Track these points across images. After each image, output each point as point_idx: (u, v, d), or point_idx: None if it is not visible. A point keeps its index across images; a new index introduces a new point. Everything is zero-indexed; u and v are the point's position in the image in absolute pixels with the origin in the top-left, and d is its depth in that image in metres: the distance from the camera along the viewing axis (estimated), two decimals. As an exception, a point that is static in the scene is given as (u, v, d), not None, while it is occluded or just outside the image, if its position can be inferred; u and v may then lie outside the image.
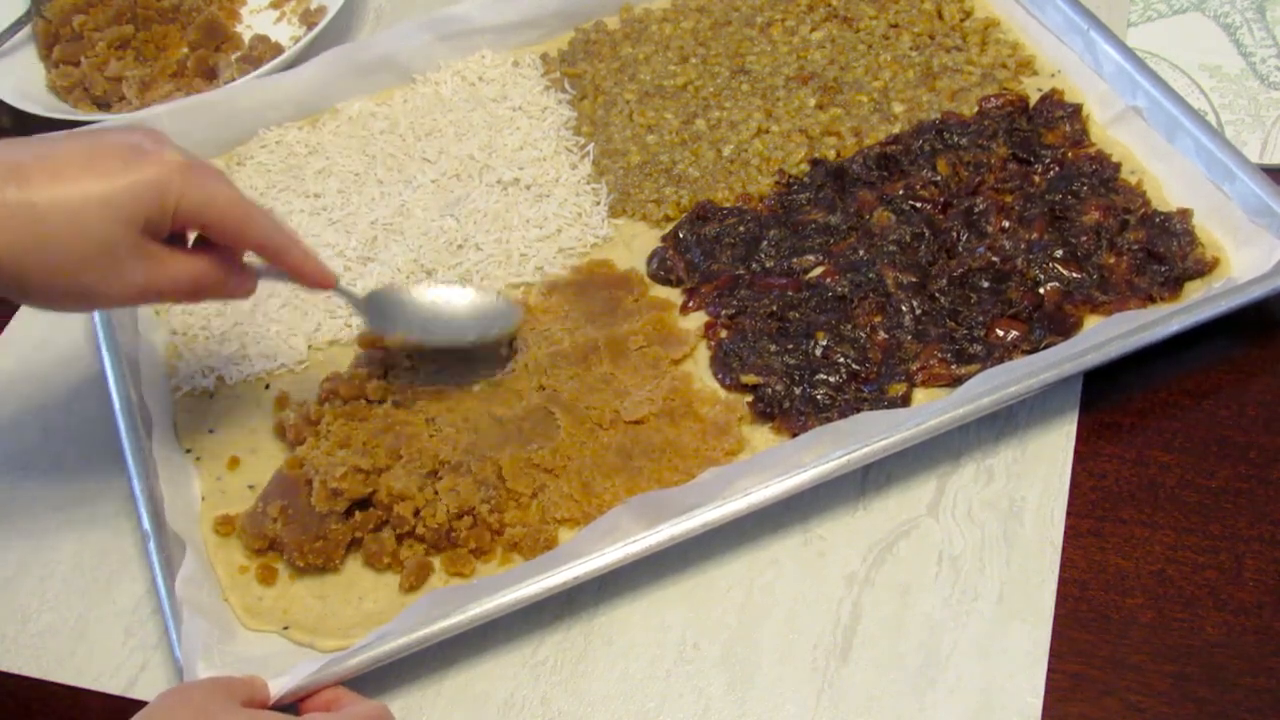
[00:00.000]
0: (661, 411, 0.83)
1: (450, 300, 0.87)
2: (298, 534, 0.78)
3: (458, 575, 0.78)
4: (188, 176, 0.70)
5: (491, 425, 0.84)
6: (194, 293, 0.75)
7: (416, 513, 0.79)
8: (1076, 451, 0.81)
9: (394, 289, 0.87)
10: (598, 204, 0.98)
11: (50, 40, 1.19)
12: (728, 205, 0.95)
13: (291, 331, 0.93)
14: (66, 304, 0.72)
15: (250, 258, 0.78)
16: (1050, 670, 0.72)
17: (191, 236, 0.75)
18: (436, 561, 0.79)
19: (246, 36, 1.19)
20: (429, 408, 0.86)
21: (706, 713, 0.73)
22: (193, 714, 0.65)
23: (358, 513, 0.80)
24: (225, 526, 0.82)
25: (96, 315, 0.91)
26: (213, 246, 0.75)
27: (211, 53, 1.17)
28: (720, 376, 0.86)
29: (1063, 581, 0.75)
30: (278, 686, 0.71)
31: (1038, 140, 0.95)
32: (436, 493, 0.79)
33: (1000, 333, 0.84)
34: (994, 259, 0.88)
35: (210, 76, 1.16)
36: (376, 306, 0.85)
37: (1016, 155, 0.94)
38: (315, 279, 0.79)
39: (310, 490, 0.79)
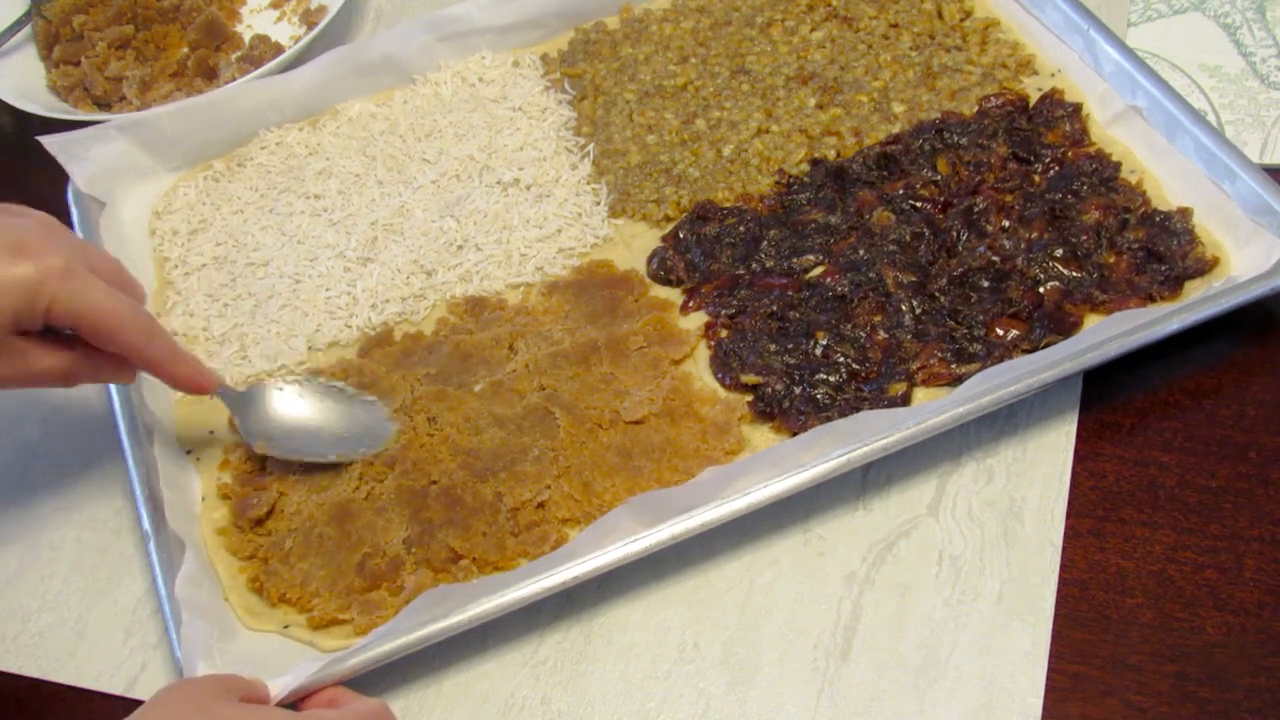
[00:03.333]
0: (661, 411, 0.83)
1: (319, 415, 0.84)
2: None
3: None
4: (63, 282, 0.70)
5: (492, 425, 0.84)
6: (63, 381, 0.76)
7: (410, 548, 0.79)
8: (1076, 451, 0.81)
9: (268, 393, 0.84)
10: (598, 204, 0.98)
11: (50, 40, 1.19)
12: (728, 205, 0.95)
13: (292, 332, 0.93)
14: None
15: None
16: (1050, 670, 0.72)
17: None
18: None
19: (246, 36, 1.19)
20: (430, 407, 0.86)
21: (706, 712, 0.73)
22: (192, 709, 0.64)
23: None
24: (226, 522, 0.82)
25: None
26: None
27: (211, 53, 1.17)
28: (720, 376, 0.86)
29: (1063, 581, 0.75)
30: (278, 687, 0.71)
31: (1038, 140, 0.95)
32: (432, 521, 0.80)
33: (1000, 332, 0.84)
34: (994, 258, 0.88)
35: (210, 76, 1.16)
36: (250, 409, 0.83)
37: (1016, 155, 0.94)
38: (190, 386, 0.79)
39: None
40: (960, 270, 0.87)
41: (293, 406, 0.83)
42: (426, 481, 0.82)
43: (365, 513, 0.81)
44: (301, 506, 0.82)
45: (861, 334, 0.85)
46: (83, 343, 0.75)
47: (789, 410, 0.82)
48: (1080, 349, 0.79)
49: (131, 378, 0.80)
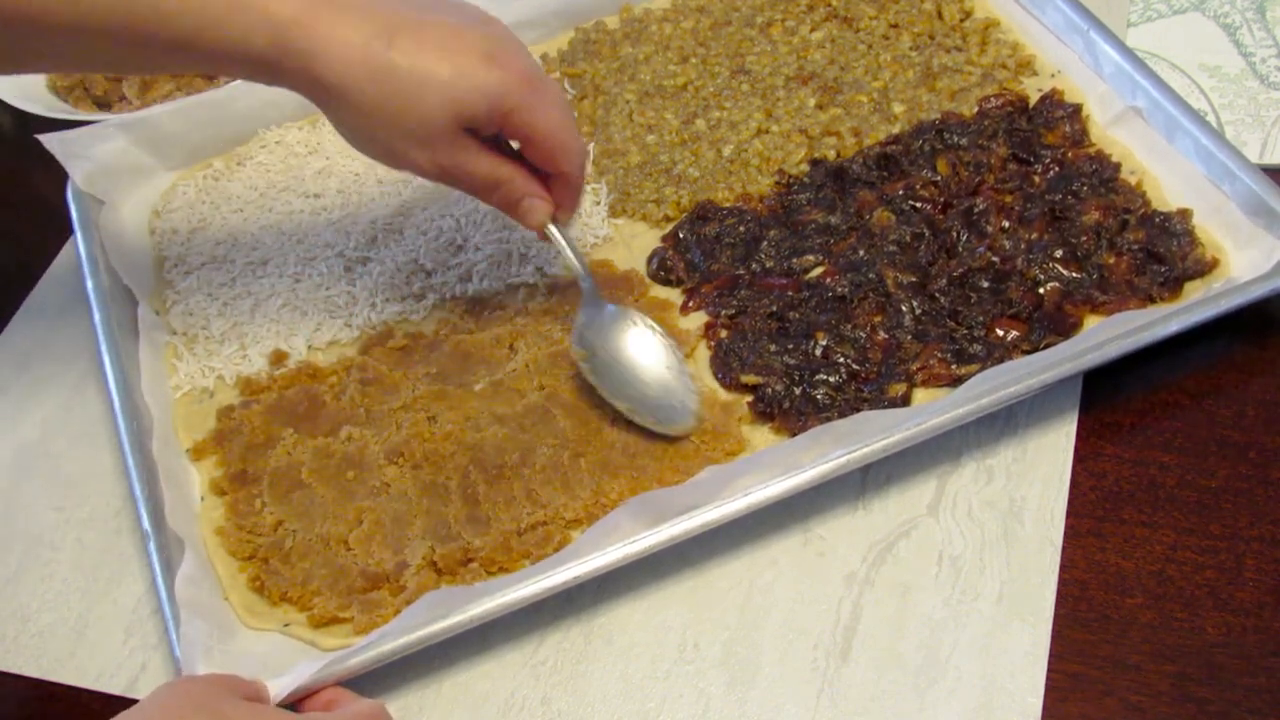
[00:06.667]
0: (662, 411, 0.83)
1: (646, 363, 0.83)
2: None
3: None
4: (525, 95, 0.75)
5: (493, 424, 0.84)
6: (485, 193, 0.81)
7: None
8: (1076, 451, 0.81)
9: (622, 319, 0.84)
10: (598, 204, 0.98)
11: (50, 40, 1.18)
12: (728, 205, 0.95)
13: (291, 331, 0.93)
14: (385, 158, 0.79)
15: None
16: (1050, 670, 0.72)
17: None
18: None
19: (246, 36, 1.19)
20: (430, 406, 0.86)
21: (706, 713, 0.73)
22: (194, 708, 0.64)
23: None
24: (225, 520, 0.82)
25: (97, 316, 0.91)
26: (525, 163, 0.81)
27: (211, 52, 1.17)
28: (720, 376, 0.86)
29: (1063, 581, 0.75)
30: (278, 687, 0.71)
31: (1038, 140, 0.95)
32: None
33: (1000, 333, 0.84)
34: (994, 259, 0.88)
35: (210, 76, 1.16)
36: (595, 311, 0.84)
37: (1016, 155, 0.94)
38: (565, 214, 0.84)
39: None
40: (960, 271, 0.87)
41: (635, 342, 0.83)
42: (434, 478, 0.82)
43: (366, 512, 0.81)
44: (302, 506, 0.82)
45: (861, 334, 0.85)
46: (516, 166, 0.80)
47: (789, 411, 0.82)
48: (1080, 350, 0.79)
49: (537, 225, 0.82)
